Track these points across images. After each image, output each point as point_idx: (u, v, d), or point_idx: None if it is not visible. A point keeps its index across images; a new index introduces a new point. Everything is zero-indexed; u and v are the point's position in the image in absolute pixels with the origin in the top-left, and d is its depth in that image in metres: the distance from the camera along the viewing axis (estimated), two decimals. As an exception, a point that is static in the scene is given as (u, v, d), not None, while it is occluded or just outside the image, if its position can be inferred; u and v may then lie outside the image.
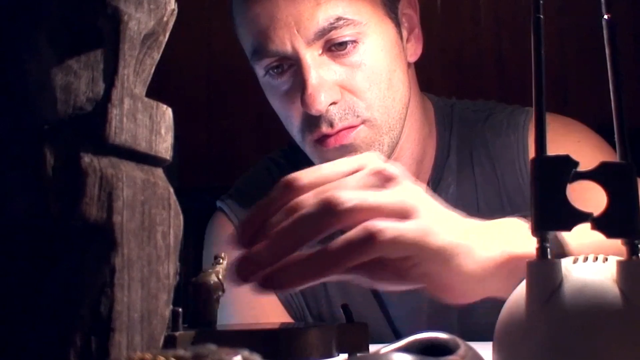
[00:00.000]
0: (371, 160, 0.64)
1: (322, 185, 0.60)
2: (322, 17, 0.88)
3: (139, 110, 0.39)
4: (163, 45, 0.43)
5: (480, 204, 1.00)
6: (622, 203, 0.43)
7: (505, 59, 1.62)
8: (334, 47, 0.89)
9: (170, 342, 0.52)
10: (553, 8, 1.55)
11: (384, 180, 0.61)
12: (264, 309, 1.00)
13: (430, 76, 1.61)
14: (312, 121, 0.90)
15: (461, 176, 1.02)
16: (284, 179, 0.61)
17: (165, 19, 0.42)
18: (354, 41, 0.90)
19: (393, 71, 0.93)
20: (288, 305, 1.03)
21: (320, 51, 0.89)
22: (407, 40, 0.98)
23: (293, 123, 0.94)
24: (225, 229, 1.05)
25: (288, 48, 0.89)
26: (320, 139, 0.91)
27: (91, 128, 0.37)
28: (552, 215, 0.44)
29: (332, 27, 0.88)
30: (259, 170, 1.11)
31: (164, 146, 0.41)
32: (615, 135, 0.46)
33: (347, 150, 0.90)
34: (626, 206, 0.43)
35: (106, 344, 0.36)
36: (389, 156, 0.93)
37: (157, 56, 0.43)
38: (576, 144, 0.95)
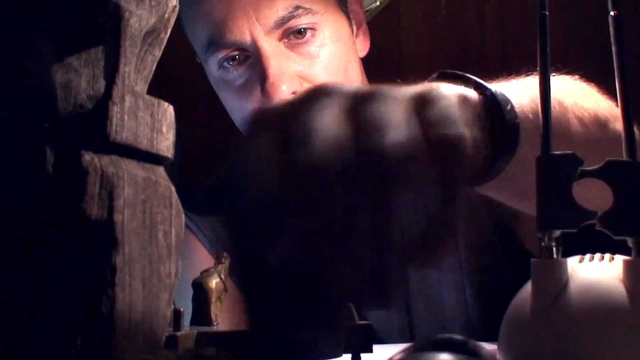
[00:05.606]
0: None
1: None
2: (281, 5, 0.89)
3: (140, 108, 0.39)
4: (164, 42, 0.43)
5: None
6: (629, 201, 0.43)
7: (510, 55, 1.62)
8: (293, 36, 0.90)
9: (171, 342, 0.51)
10: (559, 5, 1.55)
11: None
12: None
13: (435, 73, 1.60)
14: None
15: None
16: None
17: (166, 15, 0.42)
18: (312, 29, 0.91)
19: (348, 62, 0.94)
20: None
21: (278, 40, 0.90)
22: (356, 35, 1.00)
23: (249, 118, 0.94)
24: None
25: (247, 37, 0.89)
26: None
27: (92, 126, 0.37)
28: (557, 214, 0.43)
29: (291, 16, 0.89)
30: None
31: (166, 144, 0.41)
32: (622, 133, 0.45)
33: None
34: (633, 205, 0.43)
35: (107, 344, 0.36)
36: None
37: (158, 53, 0.42)
38: None
